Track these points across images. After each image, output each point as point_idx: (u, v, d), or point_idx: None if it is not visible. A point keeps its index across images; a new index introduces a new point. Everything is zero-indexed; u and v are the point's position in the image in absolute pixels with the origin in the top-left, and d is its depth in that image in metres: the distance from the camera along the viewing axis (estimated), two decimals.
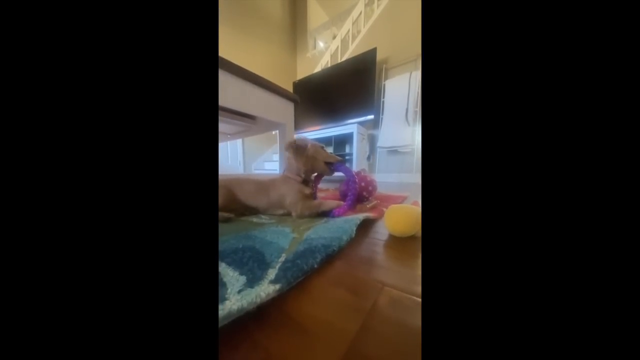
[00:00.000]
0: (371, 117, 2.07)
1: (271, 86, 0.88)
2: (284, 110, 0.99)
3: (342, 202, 0.61)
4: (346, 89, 2.23)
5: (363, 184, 0.78)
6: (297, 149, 0.60)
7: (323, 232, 0.40)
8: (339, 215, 0.56)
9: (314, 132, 2.43)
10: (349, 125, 2.16)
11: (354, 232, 0.40)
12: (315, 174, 0.65)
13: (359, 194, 0.78)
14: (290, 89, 2.74)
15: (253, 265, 0.27)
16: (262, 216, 0.60)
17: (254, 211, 0.63)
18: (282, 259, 0.29)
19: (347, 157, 2.61)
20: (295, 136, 0.67)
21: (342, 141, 2.50)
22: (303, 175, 0.62)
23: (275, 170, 2.56)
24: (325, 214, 0.58)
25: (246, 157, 2.62)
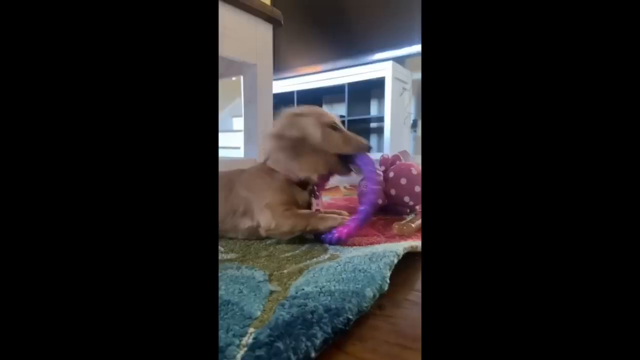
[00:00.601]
0: (419, 47, 2.03)
1: None
2: (255, 38, 0.97)
3: (345, 216, 0.60)
4: None
5: (403, 181, 0.76)
6: (290, 140, 0.62)
7: (327, 279, 0.39)
8: (339, 239, 0.55)
9: (310, 77, 2.40)
10: (376, 64, 2.15)
11: (387, 280, 0.40)
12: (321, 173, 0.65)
13: (395, 199, 0.77)
14: None
15: None
16: None
17: None
18: (248, 339, 0.28)
19: (372, 125, 2.58)
20: (290, 109, 0.67)
21: (362, 93, 2.47)
22: (301, 177, 0.63)
23: (238, 148, 2.55)
24: (320, 234, 0.58)
25: None
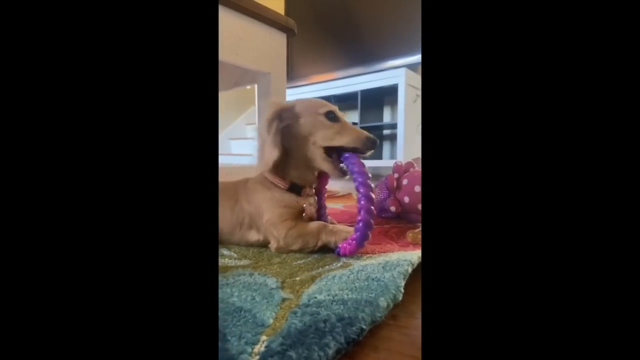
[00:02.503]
0: None
1: (245, 5, 0.87)
2: (269, 47, 0.98)
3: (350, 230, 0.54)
4: (385, 4, 2.18)
5: (417, 188, 0.75)
6: (275, 126, 0.54)
7: (340, 288, 0.39)
8: (345, 254, 0.51)
9: (323, 85, 2.42)
10: (389, 71, 2.15)
11: (402, 289, 0.39)
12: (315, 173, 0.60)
13: (409, 206, 0.76)
14: (280, 9, 2.72)
15: None
16: (224, 250, 0.60)
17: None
18: (261, 346, 0.28)
19: (385, 132, 2.57)
20: (276, 101, 0.59)
21: (375, 100, 2.47)
22: (287, 178, 0.58)
23: (251, 155, 2.58)
24: (330, 248, 0.54)
25: None
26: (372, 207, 0.51)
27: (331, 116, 0.55)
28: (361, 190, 0.51)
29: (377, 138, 0.54)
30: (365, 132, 0.54)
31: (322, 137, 0.55)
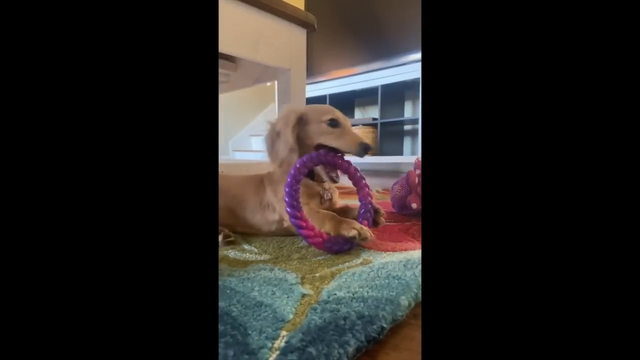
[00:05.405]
0: None
1: (265, 2, 0.87)
2: (289, 43, 0.98)
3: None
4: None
5: None
6: (271, 130, 0.64)
7: (360, 285, 0.38)
8: (314, 244, 0.52)
9: (343, 80, 2.40)
10: (411, 65, 2.10)
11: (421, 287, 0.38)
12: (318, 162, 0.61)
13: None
14: (300, 4, 2.72)
15: (224, 352, 0.26)
16: (245, 245, 0.60)
17: (241, 226, 0.68)
18: (280, 342, 0.28)
19: (406, 128, 2.54)
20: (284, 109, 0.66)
21: (396, 95, 2.43)
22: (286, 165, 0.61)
23: None
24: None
25: (220, 128, 2.70)
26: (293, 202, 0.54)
27: (333, 123, 0.61)
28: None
29: (370, 145, 0.59)
30: (361, 138, 0.60)
31: (323, 141, 0.61)
